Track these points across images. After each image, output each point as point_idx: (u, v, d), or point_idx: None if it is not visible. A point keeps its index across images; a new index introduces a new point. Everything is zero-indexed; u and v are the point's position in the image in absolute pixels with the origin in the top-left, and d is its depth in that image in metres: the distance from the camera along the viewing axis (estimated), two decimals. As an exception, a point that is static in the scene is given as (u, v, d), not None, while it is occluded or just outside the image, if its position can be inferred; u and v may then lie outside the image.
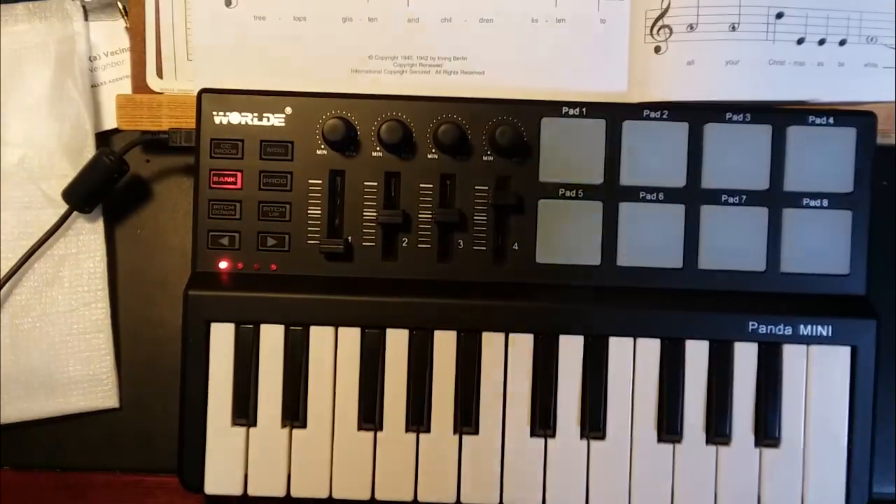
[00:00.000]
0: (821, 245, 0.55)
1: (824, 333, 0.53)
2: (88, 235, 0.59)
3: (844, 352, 0.53)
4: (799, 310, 0.54)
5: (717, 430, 0.53)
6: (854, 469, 0.53)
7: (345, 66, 0.59)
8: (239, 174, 0.55)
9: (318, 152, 0.55)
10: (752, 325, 0.54)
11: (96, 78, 0.61)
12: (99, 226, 0.59)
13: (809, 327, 0.53)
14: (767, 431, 0.53)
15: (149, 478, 0.59)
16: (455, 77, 0.59)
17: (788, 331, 0.53)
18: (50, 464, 0.59)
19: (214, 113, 0.55)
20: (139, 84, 0.59)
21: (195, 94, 0.55)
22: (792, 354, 0.54)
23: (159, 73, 0.59)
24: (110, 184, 0.58)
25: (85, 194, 0.58)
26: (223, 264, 0.55)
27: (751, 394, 0.54)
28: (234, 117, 0.55)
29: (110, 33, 0.61)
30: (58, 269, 0.59)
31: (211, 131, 0.55)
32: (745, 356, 0.54)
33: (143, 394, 0.59)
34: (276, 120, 0.55)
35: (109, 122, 0.61)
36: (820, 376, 0.53)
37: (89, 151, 0.59)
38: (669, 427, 0.54)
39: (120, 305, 0.60)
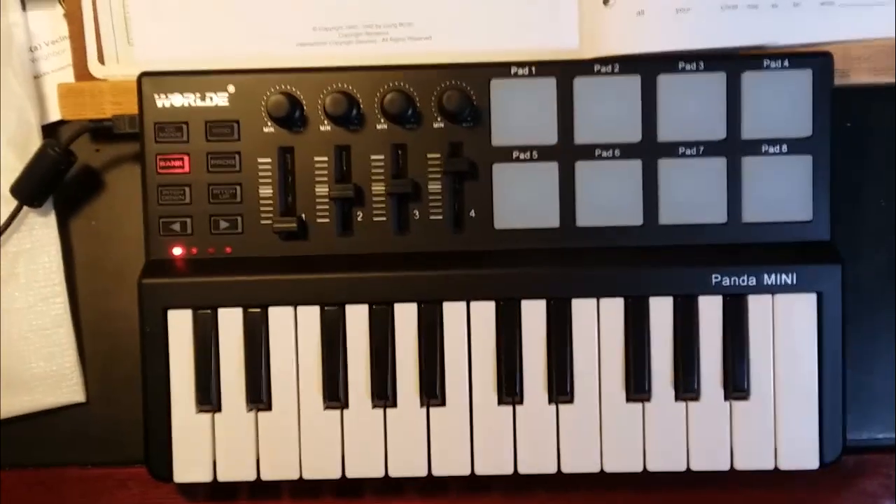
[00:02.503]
0: (782, 192, 0.53)
1: (789, 281, 0.52)
2: (41, 230, 0.58)
3: (810, 299, 0.52)
4: (762, 259, 0.53)
5: (686, 386, 0.53)
6: (826, 418, 0.53)
7: (290, 41, 0.57)
8: (186, 157, 0.54)
9: (265, 130, 0.54)
10: (716, 277, 0.53)
11: (38, 68, 0.60)
12: (51, 219, 0.58)
13: (773, 276, 0.52)
14: (736, 384, 0.52)
15: (121, 470, 0.58)
16: (402, 44, 0.57)
17: (752, 281, 0.53)
18: (21, 462, 0.58)
19: (156, 96, 0.54)
20: (81, 72, 0.58)
21: (136, 78, 0.54)
22: (757, 305, 0.53)
23: (101, 60, 0.58)
24: (59, 176, 0.57)
25: (34, 188, 0.57)
26: (177, 250, 0.55)
27: (718, 347, 0.53)
28: (177, 99, 0.54)
29: (50, 21, 0.60)
30: (13, 266, 0.58)
31: (154, 115, 0.54)
32: (710, 309, 0.53)
33: (110, 386, 0.59)
34: (219, 99, 0.54)
35: (55, 112, 0.59)
36: (786, 325, 0.53)
37: (35, 144, 0.58)
38: (637, 386, 0.53)
39: (79, 299, 0.59)
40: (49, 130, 0.59)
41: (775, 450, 0.53)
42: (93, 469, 0.59)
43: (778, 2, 0.55)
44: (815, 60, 0.53)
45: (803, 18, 0.55)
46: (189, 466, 0.54)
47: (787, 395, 0.53)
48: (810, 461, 0.53)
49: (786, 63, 0.53)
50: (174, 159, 0.54)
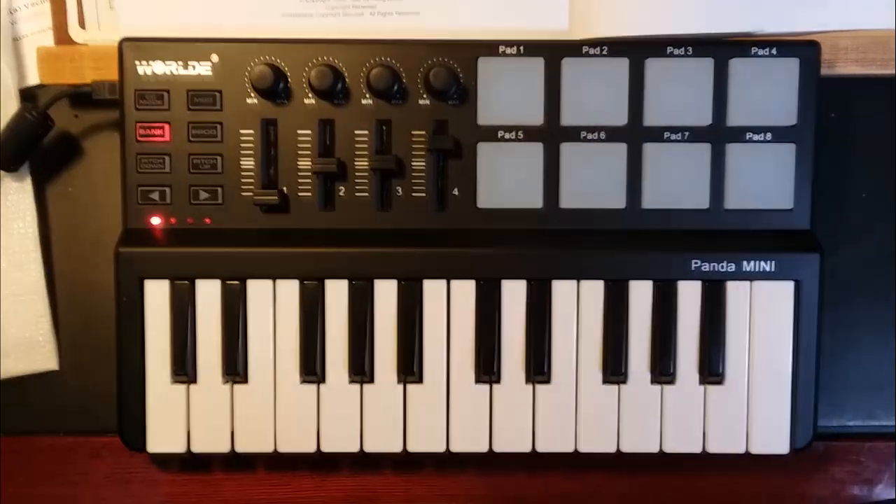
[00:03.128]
0: (765, 180, 0.54)
1: (767, 269, 0.53)
2: (16, 195, 0.57)
3: (788, 287, 0.53)
4: (742, 246, 0.53)
5: (662, 370, 0.53)
6: (798, 405, 0.53)
7: (276, 10, 0.57)
8: (167, 126, 0.53)
9: (248, 101, 0.53)
10: (696, 263, 0.53)
11: (18, 31, 0.58)
12: (27, 185, 0.57)
13: (753, 263, 0.53)
14: (711, 369, 0.53)
15: (94, 439, 0.58)
16: (390, 19, 0.57)
17: (732, 268, 0.53)
18: (-8, 429, 0.58)
19: (137, 62, 0.53)
20: (61, 35, 0.57)
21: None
22: (735, 291, 0.53)
23: (81, 24, 0.57)
24: (35, 141, 0.56)
25: (10, 153, 0.56)
26: (155, 220, 0.54)
27: (695, 332, 0.53)
28: (158, 67, 0.53)
29: (30, -18, 0.58)
30: (-13, 231, 0.57)
31: (134, 82, 0.53)
32: (689, 295, 0.53)
33: (83, 354, 0.58)
34: (202, 68, 0.53)
35: (33, 76, 0.58)
36: (763, 312, 0.53)
37: (12, 108, 0.56)
38: (614, 368, 0.53)
39: (55, 266, 0.58)
40: (27, 94, 0.58)
41: (747, 434, 0.53)
42: (65, 437, 0.58)
43: (768, -11, 0.55)
44: (803, 49, 0.53)
45: (792, 7, 0.55)
46: (163, 437, 0.54)
47: (762, 381, 0.53)
48: (781, 446, 0.53)
49: (773, 51, 0.53)
50: (154, 128, 0.54)
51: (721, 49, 0.53)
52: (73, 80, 0.56)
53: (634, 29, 0.54)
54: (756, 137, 0.54)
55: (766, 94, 0.53)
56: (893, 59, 0.55)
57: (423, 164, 0.54)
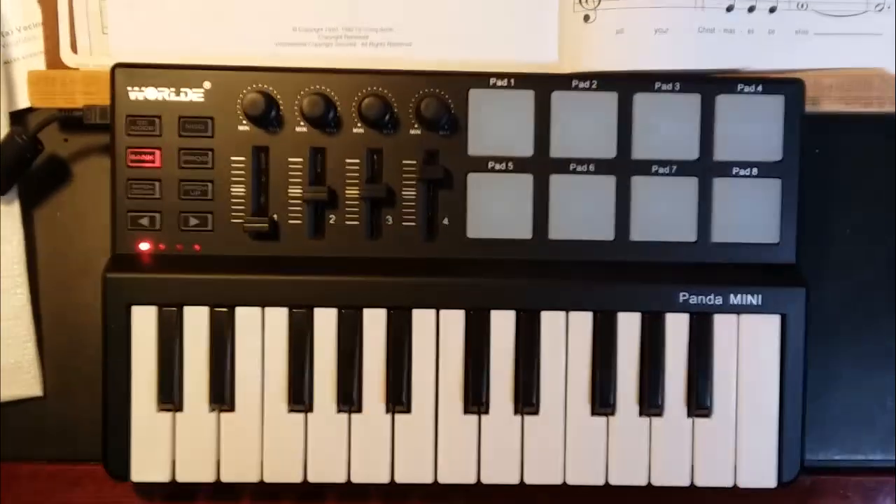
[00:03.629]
0: (751, 214, 0.54)
1: (754, 302, 0.53)
2: (4, 219, 0.57)
3: (774, 320, 0.53)
4: (729, 280, 0.54)
5: (650, 402, 0.53)
6: (785, 437, 0.53)
7: (268, 40, 0.57)
8: (157, 152, 0.53)
9: (240, 128, 0.54)
10: (683, 295, 0.53)
11: (9, 54, 0.58)
12: (15, 208, 0.57)
13: (739, 297, 0.53)
14: (699, 401, 0.53)
15: (76, 467, 0.57)
16: (382, 49, 0.57)
17: (719, 301, 0.53)
18: (-28, 456, 0.57)
19: (129, 88, 0.53)
20: (53, 59, 0.57)
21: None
22: (722, 324, 0.53)
23: (73, 48, 0.57)
24: (24, 164, 0.56)
25: (-2, 176, 0.56)
26: (144, 245, 0.54)
27: (682, 365, 0.54)
28: (151, 93, 0.53)
29: (22, 6, 0.58)
30: (-27, 255, 0.57)
31: (126, 107, 0.53)
32: (677, 327, 0.54)
33: (68, 381, 0.57)
34: (194, 95, 0.53)
35: (24, 100, 0.58)
36: (750, 345, 0.53)
37: (2, 131, 0.56)
38: (602, 400, 0.53)
39: (41, 291, 0.58)
40: (17, 118, 0.58)
41: (735, 467, 0.54)
42: (47, 465, 0.57)
43: (754, 27, 0.56)
44: (788, 86, 0.54)
45: (778, 45, 0.56)
46: (147, 466, 0.53)
47: (749, 414, 0.53)
48: (768, 480, 0.54)
49: (759, 88, 0.54)
50: (145, 153, 0.54)
51: (708, 85, 0.54)
52: (63, 104, 0.56)
53: (623, 64, 0.55)
54: (742, 172, 0.54)
55: (752, 129, 0.54)
56: (876, 97, 0.56)
57: (414, 193, 0.54)
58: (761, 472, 0.53)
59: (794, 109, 0.54)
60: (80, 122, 0.55)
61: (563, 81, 0.54)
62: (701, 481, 0.54)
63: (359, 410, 0.53)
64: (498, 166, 0.54)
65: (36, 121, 0.57)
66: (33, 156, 0.56)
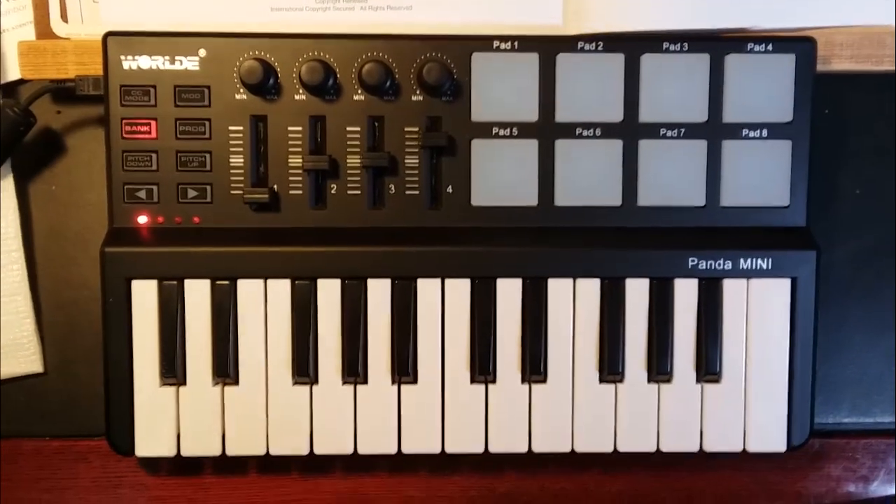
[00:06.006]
0: (760, 177, 0.53)
1: (764, 266, 0.52)
2: (-2, 193, 0.56)
3: (784, 284, 0.53)
4: (739, 244, 0.53)
5: (659, 368, 0.53)
6: (795, 402, 0.53)
7: (264, 4, 0.55)
8: (153, 122, 0.52)
9: (237, 97, 0.52)
10: (692, 260, 0.53)
11: (-3, 24, 0.57)
12: (9, 183, 0.56)
13: (749, 261, 0.52)
14: (708, 367, 0.53)
15: (81, 442, 0.57)
16: (382, 13, 0.56)
17: (728, 265, 0.52)
18: (-25, 434, 0.57)
19: (122, 57, 0.52)
20: (43, 29, 0.55)
21: (102, 37, 0.52)
22: (732, 289, 0.53)
23: (64, 17, 0.55)
24: (17, 138, 0.55)
25: (-9, 150, 0.54)
26: (142, 219, 0.53)
27: (692, 330, 0.53)
28: (144, 61, 0.52)
29: (10, -25, 0.57)
30: (-32, 231, 0.56)
31: (120, 77, 0.52)
32: (686, 292, 0.53)
33: (69, 356, 0.57)
34: (189, 63, 0.52)
35: (14, 71, 0.57)
36: (760, 309, 0.53)
37: (-7, 104, 0.55)
38: (611, 367, 0.53)
39: (38, 266, 0.57)
40: (8, 90, 0.56)
41: (744, 432, 0.53)
42: (51, 441, 0.57)
43: (763, -16, 0.55)
44: (799, 45, 0.53)
45: (788, 3, 0.55)
46: (152, 440, 0.52)
47: (759, 379, 0.53)
48: (778, 444, 0.53)
49: (769, 47, 0.53)
50: (140, 124, 0.52)
51: (717, 45, 0.53)
52: (55, 76, 0.54)
53: (630, 24, 0.54)
54: (752, 134, 0.53)
55: (762, 90, 0.53)
56: (888, 56, 0.55)
57: (417, 161, 0.53)
58: (771, 437, 0.53)
59: (805, 69, 0.53)
60: (72, 94, 0.54)
61: (569, 43, 0.53)
62: (710, 446, 0.53)
63: (364, 382, 0.53)
64: (502, 132, 0.53)
65: (28, 93, 0.55)
66: (26, 129, 0.55)
